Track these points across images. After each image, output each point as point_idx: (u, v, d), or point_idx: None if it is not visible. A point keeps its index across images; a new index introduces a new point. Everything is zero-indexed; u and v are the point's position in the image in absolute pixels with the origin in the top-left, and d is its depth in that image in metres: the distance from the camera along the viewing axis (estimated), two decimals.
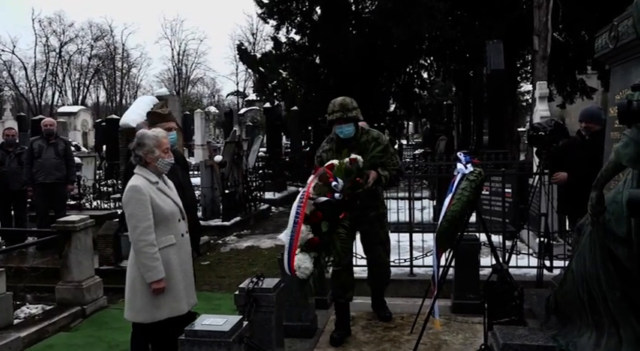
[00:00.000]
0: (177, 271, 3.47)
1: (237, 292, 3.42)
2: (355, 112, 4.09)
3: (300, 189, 3.57)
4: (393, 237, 6.01)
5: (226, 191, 9.63)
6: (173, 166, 3.98)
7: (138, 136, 3.54)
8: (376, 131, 4.27)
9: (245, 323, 2.90)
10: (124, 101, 52.02)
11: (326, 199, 3.33)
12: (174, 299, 3.44)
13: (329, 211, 3.28)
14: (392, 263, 5.79)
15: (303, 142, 19.69)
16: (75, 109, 29.68)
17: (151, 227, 3.36)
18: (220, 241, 8.92)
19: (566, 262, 4.52)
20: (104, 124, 19.47)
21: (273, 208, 12.34)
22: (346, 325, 4.35)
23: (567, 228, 5.98)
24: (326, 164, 3.68)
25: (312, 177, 3.61)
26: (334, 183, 3.43)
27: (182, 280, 3.50)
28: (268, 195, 12.62)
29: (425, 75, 19.18)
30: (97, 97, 54.25)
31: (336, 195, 3.38)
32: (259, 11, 17.86)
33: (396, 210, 6.77)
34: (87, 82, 49.62)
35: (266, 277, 3.56)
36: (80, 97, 48.63)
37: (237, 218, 9.86)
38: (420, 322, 3.78)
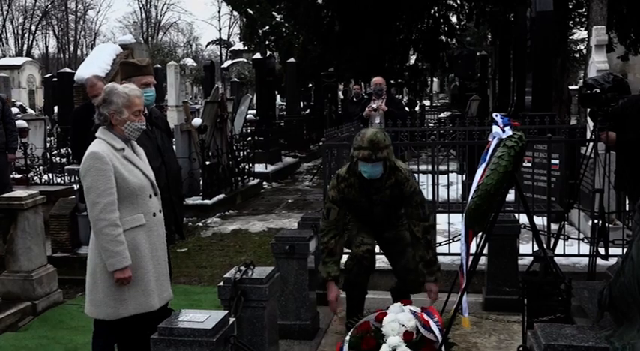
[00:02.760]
0: (147, 258, 3.51)
1: (221, 284, 3.46)
2: (387, 151, 4.09)
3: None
4: None
5: (207, 163, 9.65)
6: (149, 129, 3.99)
7: (106, 91, 3.54)
8: (404, 172, 4.25)
9: (231, 320, 2.94)
10: (79, 52, 51.80)
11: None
12: (143, 292, 3.48)
13: None
14: None
15: (301, 103, 19.64)
16: (19, 61, 29.59)
17: (115, 204, 3.38)
18: (200, 224, 8.98)
19: (625, 249, 4.55)
20: (55, 79, 19.39)
21: (264, 183, 12.37)
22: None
23: (627, 208, 6.00)
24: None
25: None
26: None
27: (153, 270, 3.54)
28: (259, 168, 12.64)
29: (454, 19, 19.00)
30: (46, 47, 54.04)
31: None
32: None
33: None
34: (33, 27, 49.27)
35: (257, 266, 3.60)
36: (25, 46, 48.34)
37: (221, 196, 9.90)
38: (444, 321, 3.83)
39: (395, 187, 4.20)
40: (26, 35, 49.00)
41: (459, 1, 18.34)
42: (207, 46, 51.92)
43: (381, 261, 5.65)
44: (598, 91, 5.07)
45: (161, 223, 3.67)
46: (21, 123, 11.50)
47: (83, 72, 6.87)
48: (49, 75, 26.14)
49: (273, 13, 18.10)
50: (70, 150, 11.22)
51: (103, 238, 3.36)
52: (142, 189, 3.52)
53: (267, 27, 18.37)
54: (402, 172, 4.21)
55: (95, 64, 6.97)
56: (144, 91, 3.94)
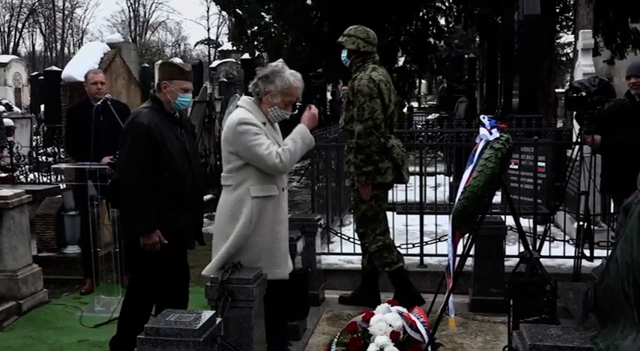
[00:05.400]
0: (267, 230, 3.64)
1: (208, 284, 3.46)
2: (345, 39, 4.74)
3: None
4: (400, 220, 6.11)
5: None
6: (179, 132, 4.04)
7: (274, 69, 3.64)
8: (366, 78, 4.63)
9: (218, 320, 2.94)
10: (66, 50, 51.45)
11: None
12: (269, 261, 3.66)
13: None
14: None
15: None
16: (5, 59, 29.32)
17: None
18: None
19: (610, 251, 4.59)
20: (42, 77, 19.30)
21: None
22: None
23: (612, 210, 6.06)
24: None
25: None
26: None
27: (270, 242, 3.66)
28: None
29: (442, 21, 19.04)
30: (33, 45, 53.67)
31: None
32: None
33: (404, 188, 6.82)
34: (19, 25, 48.91)
35: (244, 266, 3.59)
36: (11, 44, 48.00)
37: (209, 196, 9.85)
38: (431, 322, 3.85)
39: (353, 80, 4.71)
40: (12, 33, 48.69)
41: (447, 4, 18.38)
42: (195, 45, 51.73)
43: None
44: (584, 94, 5.12)
45: (286, 199, 3.82)
46: (7, 121, 11.42)
47: (71, 70, 6.80)
48: (35, 73, 25.98)
49: (262, 13, 18.06)
50: (56, 149, 11.17)
51: (295, 153, 3.61)
52: None
53: (256, 27, 18.32)
54: (365, 78, 4.62)
55: (83, 62, 6.90)
56: (182, 96, 4.00)
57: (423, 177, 6.11)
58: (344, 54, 4.77)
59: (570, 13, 16.13)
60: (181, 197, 3.95)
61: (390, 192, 7.29)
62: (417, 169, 6.28)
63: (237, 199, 3.61)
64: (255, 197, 3.58)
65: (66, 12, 51.44)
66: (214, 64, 28.60)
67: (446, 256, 4.00)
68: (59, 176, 9.34)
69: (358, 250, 5.36)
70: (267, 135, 3.60)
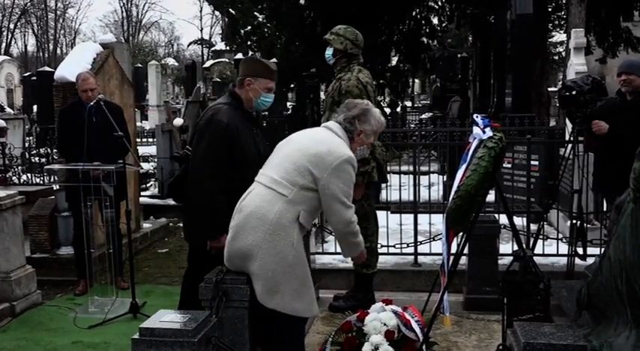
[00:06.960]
0: (306, 259, 3.50)
1: (203, 284, 3.45)
2: (333, 37, 4.76)
3: None
4: (394, 219, 6.13)
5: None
6: (255, 132, 3.90)
7: (365, 107, 3.51)
8: (354, 79, 4.62)
9: (213, 320, 2.93)
10: (58, 50, 51.29)
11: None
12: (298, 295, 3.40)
13: None
14: (393, 251, 5.90)
15: (285, 104, 19.60)
16: None
17: None
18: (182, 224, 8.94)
19: (603, 249, 4.61)
20: (34, 78, 19.21)
21: None
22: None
23: (605, 208, 6.08)
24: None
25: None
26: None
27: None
28: None
29: (435, 21, 19.07)
30: (25, 46, 53.46)
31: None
32: None
33: (398, 187, 6.83)
34: (11, 26, 48.68)
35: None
36: (3, 44, 47.75)
37: None
38: (426, 321, 3.85)
39: (339, 80, 4.73)
40: (4, 33, 48.42)
41: (440, 3, 18.41)
42: (188, 45, 51.75)
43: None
44: (576, 92, 5.13)
45: None
46: None
47: (63, 71, 6.76)
48: (27, 74, 25.86)
49: (256, 13, 18.03)
50: (49, 149, 11.13)
51: (354, 236, 3.45)
52: None
53: (249, 27, 18.28)
54: (352, 77, 4.64)
55: (75, 63, 6.88)
56: (265, 96, 3.86)
57: (417, 176, 6.12)
58: (329, 52, 4.79)
59: (562, 12, 16.18)
60: None
61: (383, 191, 7.33)
62: (411, 168, 6.29)
63: (284, 214, 3.31)
64: (300, 224, 3.34)
65: (58, 12, 51.30)
66: (207, 64, 28.59)
67: (440, 255, 4.01)
68: (52, 177, 9.31)
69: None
70: None
